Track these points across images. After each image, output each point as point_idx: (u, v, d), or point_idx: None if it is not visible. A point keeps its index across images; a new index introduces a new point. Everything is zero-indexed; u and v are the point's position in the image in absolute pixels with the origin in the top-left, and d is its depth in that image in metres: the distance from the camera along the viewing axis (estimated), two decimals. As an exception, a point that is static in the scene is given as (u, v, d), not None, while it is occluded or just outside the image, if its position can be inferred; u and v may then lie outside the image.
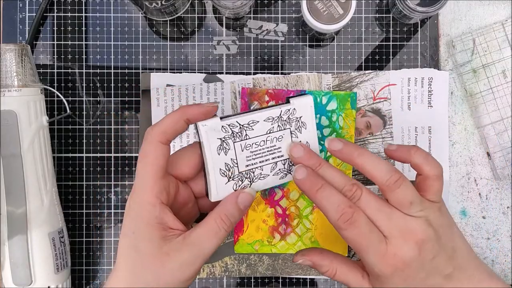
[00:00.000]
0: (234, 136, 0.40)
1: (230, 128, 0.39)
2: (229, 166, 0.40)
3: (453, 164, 0.51)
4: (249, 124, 0.40)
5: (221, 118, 0.39)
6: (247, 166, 0.41)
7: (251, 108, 0.50)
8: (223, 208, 0.39)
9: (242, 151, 0.40)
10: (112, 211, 0.51)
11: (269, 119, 0.40)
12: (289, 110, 0.41)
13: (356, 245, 0.38)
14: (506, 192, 0.51)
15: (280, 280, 0.52)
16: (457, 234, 0.41)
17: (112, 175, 0.51)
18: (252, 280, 0.52)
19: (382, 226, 0.38)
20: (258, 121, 0.40)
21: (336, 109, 0.51)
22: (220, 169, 0.40)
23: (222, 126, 0.39)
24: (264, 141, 0.41)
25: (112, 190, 0.51)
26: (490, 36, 0.51)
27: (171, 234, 0.38)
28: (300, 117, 0.41)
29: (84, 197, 0.51)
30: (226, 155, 0.40)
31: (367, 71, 0.51)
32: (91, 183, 0.51)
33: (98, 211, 0.51)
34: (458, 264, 0.40)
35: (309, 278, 0.51)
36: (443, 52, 0.51)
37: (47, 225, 0.46)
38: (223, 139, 0.39)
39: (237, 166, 0.40)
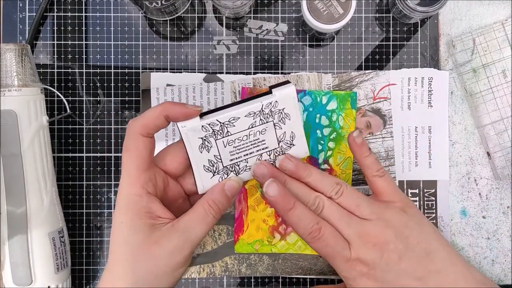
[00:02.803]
0: (215, 134, 0.40)
1: (211, 127, 0.39)
2: (212, 162, 0.40)
3: (453, 164, 0.51)
4: (230, 121, 0.40)
5: (201, 115, 0.39)
6: (231, 160, 0.41)
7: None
8: (210, 195, 0.40)
9: (225, 147, 0.40)
10: (112, 211, 0.51)
11: (250, 114, 0.40)
12: (270, 103, 0.40)
13: (324, 254, 0.40)
14: (506, 192, 0.51)
15: (280, 280, 0.52)
16: (432, 235, 0.41)
17: (112, 175, 0.51)
18: (252, 280, 0.52)
19: (344, 233, 0.40)
20: (239, 118, 0.40)
21: (336, 108, 0.51)
22: (204, 165, 0.40)
23: (202, 126, 0.39)
24: (247, 135, 0.40)
25: (112, 190, 0.51)
26: (490, 36, 0.51)
27: (160, 222, 0.38)
28: (283, 108, 0.40)
29: (84, 197, 0.51)
30: (208, 152, 0.40)
31: (367, 71, 0.51)
32: (91, 183, 0.51)
33: (98, 211, 0.51)
34: (435, 268, 0.40)
35: (309, 278, 0.51)
36: (443, 52, 0.51)
37: (47, 225, 0.46)
38: (204, 138, 0.40)
39: (221, 161, 0.41)
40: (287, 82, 0.41)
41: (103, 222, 0.51)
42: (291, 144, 0.42)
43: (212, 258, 0.51)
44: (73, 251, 0.51)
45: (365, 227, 0.40)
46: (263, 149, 0.41)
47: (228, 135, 0.40)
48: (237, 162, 0.41)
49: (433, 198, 0.51)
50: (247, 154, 0.41)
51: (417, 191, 0.51)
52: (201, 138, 0.39)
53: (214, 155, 0.40)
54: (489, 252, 0.51)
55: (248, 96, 0.50)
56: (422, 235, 0.41)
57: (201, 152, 0.40)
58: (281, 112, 0.41)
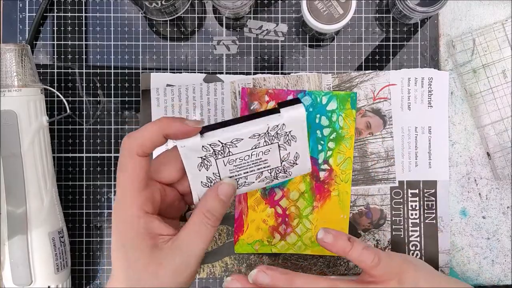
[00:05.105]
0: (216, 154, 0.38)
1: (212, 147, 0.37)
2: (211, 179, 0.39)
3: (453, 164, 0.51)
4: (232, 142, 0.37)
5: (201, 132, 0.37)
6: (230, 177, 0.39)
7: (251, 108, 0.50)
8: (204, 203, 0.38)
9: (225, 165, 0.39)
10: (112, 211, 0.51)
11: (255, 136, 0.37)
12: (277, 125, 0.38)
13: None
14: (506, 192, 0.51)
15: (280, 280, 0.52)
16: None
17: (112, 175, 0.51)
18: (252, 280, 0.51)
19: None
20: (242, 139, 0.37)
21: (336, 109, 0.51)
22: (201, 181, 0.39)
23: (203, 146, 0.37)
24: (249, 155, 0.39)
25: (112, 190, 0.51)
26: (490, 36, 0.51)
27: (161, 240, 0.38)
28: (290, 131, 0.38)
29: (84, 197, 0.51)
30: (207, 170, 0.38)
31: (367, 71, 0.51)
32: (91, 183, 0.51)
33: (98, 211, 0.51)
34: None
35: (309, 278, 0.51)
36: (443, 52, 0.51)
37: (47, 225, 0.46)
38: (204, 157, 0.38)
39: (220, 178, 0.39)
40: (297, 101, 0.38)
41: (103, 222, 0.51)
42: (294, 163, 0.40)
43: (212, 258, 0.51)
44: (73, 251, 0.51)
45: None
46: (264, 167, 0.40)
47: (229, 155, 0.38)
48: (236, 179, 0.40)
49: (433, 198, 0.51)
50: (247, 172, 0.40)
51: (417, 191, 0.51)
52: (201, 157, 0.38)
53: (213, 173, 0.39)
54: (489, 252, 0.51)
55: (249, 96, 0.50)
56: None
57: (200, 170, 0.38)
58: (288, 134, 0.38)
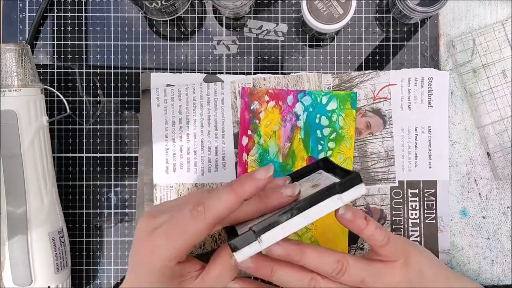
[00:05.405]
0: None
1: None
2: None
3: (453, 164, 0.51)
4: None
5: (256, 233, 0.34)
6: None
7: (251, 108, 0.50)
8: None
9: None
10: (112, 211, 0.51)
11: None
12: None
13: None
14: (506, 192, 0.51)
15: (280, 280, 0.51)
16: (432, 279, 0.42)
17: (112, 175, 0.51)
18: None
19: None
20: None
21: (336, 109, 0.51)
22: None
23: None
24: None
25: (112, 190, 0.51)
26: (490, 36, 0.51)
27: (190, 277, 0.38)
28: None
29: (84, 197, 0.51)
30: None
31: (367, 71, 0.51)
32: (91, 183, 0.51)
33: (98, 211, 0.51)
34: None
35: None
36: (443, 52, 0.51)
37: (47, 225, 0.46)
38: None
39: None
40: (358, 178, 0.35)
41: (103, 222, 0.51)
42: None
43: (212, 258, 0.51)
44: (73, 251, 0.51)
45: None
46: None
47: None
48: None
49: (433, 198, 0.51)
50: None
51: (417, 191, 0.51)
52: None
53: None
54: (489, 252, 0.51)
55: (249, 96, 0.50)
56: (423, 285, 0.41)
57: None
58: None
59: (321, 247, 0.39)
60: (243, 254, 0.35)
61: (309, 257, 0.38)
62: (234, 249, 0.34)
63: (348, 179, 0.35)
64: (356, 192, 0.35)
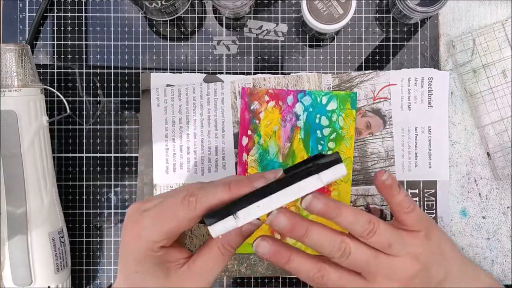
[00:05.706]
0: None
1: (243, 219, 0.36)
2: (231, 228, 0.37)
3: (453, 164, 0.51)
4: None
5: (232, 210, 0.34)
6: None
7: (251, 108, 0.50)
8: (227, 238, 0.39)
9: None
10: (112, 211, 0.51)
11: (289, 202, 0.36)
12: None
13: None
14: (506, 192, 0.51)
15: (280, 280, 0.52)
16: (450, 255, 0.43)
17: (112, 175, 0.51)
18: (252, 280, 0.51)
19: (370, 277, 0.39)
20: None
21: (336, 109, 0.51)
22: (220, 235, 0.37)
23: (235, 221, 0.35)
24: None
25: (112, 190, 0.51)
26: (490, 36, 0.51)
27: (176, 264, 0.38)
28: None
29: (84, 197, 0.51)
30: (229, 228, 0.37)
31: (367, 71, 0.51)
32: (91, 183, 0.51)
33: (98, 211, 0.51)
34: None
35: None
36: (443, 52, 0.51)
37: (47, 225, 0.46)
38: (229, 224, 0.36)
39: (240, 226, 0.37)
40: (337, 159, 0.36)
41: (103, 222, 0.51)
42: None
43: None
44: (73, 251, 0.51)
45: (393, 265, 0.40)
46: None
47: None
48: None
49: (433, 198, 0.51)
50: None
51: (417, 191, 0.51)
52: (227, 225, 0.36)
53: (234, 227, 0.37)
54: (489, 252, 0.51)
55: (249, 96, 0.50)
56: (443, 261, 0.42)
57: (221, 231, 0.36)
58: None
59: (355, 208, 0.40)
60: (218, 229, 0.35)
61: (345, 214, 0.39)
62: (209, 223, 0.35)
63: (326, 160, 0.36)
64: (335, 171, 0.36)
